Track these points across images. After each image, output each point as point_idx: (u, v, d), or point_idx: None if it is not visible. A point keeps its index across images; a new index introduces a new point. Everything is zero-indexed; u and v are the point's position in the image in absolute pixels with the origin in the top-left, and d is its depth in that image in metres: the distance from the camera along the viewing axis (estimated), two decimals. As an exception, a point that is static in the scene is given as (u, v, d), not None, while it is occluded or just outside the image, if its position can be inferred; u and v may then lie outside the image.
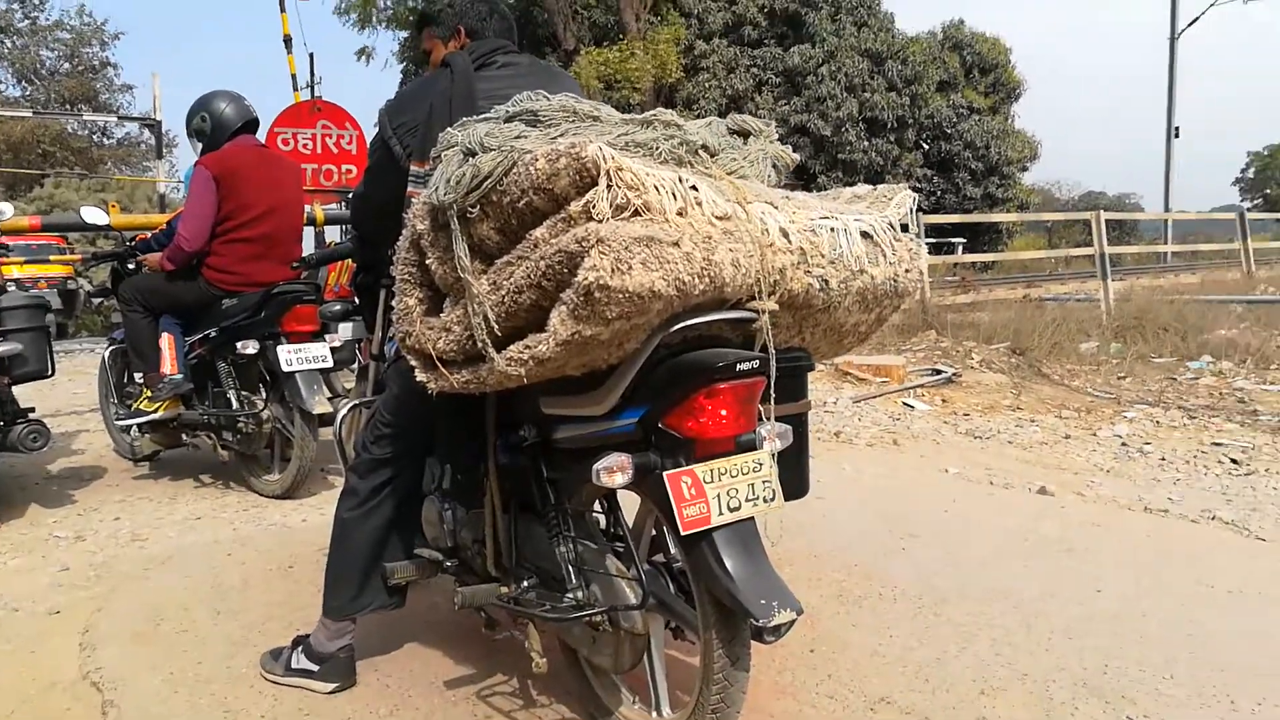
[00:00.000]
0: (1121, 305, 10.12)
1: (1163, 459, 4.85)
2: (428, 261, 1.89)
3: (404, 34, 25.57)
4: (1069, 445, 5.23)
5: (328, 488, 4.48)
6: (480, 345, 1.77)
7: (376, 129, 2.40)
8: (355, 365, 4.38)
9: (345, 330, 4.33)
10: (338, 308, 4.07)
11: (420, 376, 1.94)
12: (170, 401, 4.42)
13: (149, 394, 4.42)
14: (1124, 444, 5.19)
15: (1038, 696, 2.37)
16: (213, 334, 4.33)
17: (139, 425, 4.54)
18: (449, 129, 1.93)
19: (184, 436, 4.64)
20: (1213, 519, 3.83)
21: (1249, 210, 23.33)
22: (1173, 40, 27.66)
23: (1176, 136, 27.53)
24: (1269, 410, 5.97)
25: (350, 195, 4.28)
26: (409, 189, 2.21)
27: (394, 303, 2.01)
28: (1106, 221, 11.81)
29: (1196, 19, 27.79)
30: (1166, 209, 26.86)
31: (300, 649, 2.46)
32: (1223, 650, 2.60)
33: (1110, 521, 3.83)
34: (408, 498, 2.39)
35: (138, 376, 4.57)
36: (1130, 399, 6.43)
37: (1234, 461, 4.73)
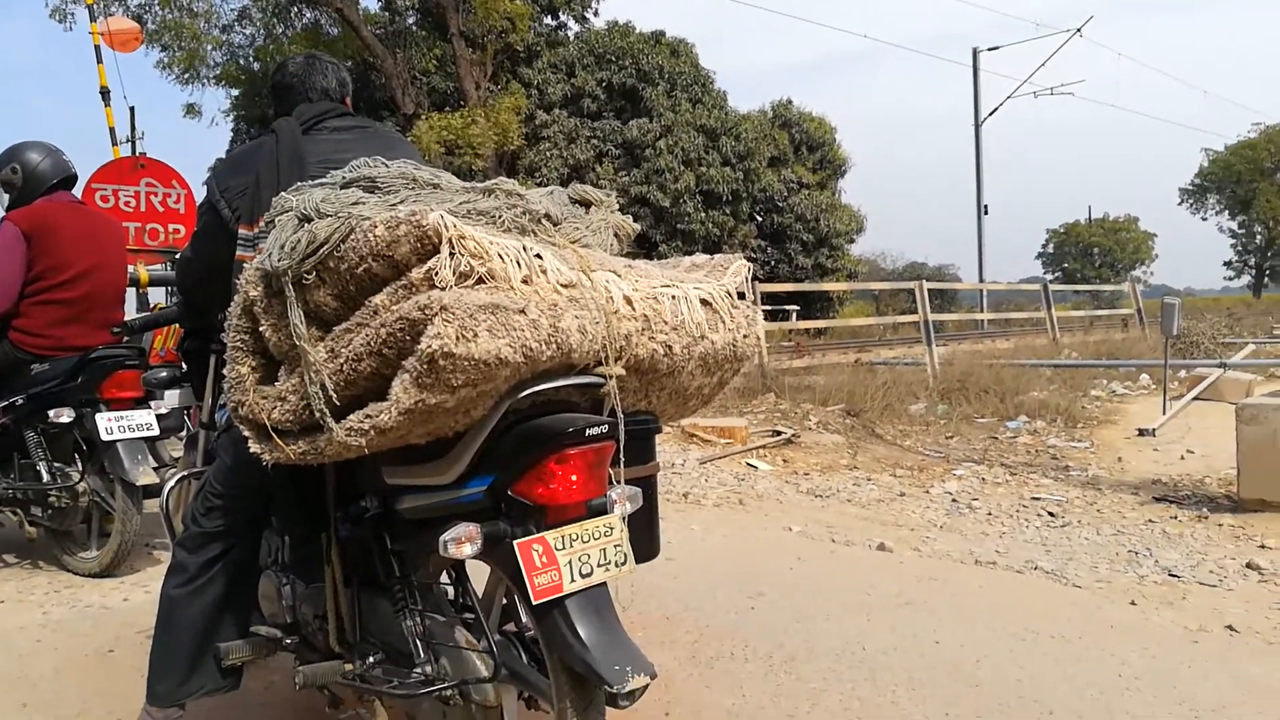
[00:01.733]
0: (946, 369, 10.73)
1: (989, 514, 5.13)
2: (261, 328, 1.82)
3: (235, 91, 24.82)
4: (904, 503, 5.47)
5: (153, 563, 4.19)
6: (318, 415, 1.71)
7: (205, 191, 2.34)
8: (184, 433, 4.14)
9: (172, 397, 4.09)
10: (164, 374, 3.84)
11: (254, 447, 1.85)
12: (-35, 477, 4.05)
13: (-59, 470, 4.04)
14: (954, 500, 5.47)
15: (882, 750, 2.42)
16: (19, 401, 4.01)
17: (-72, 505, 4.14)
18: (283, 194, 1.89)
19: (-17, 514, 4.25)
20: (1035, 569, 4.06)
21: (1050, 282, 25.33)
22: (977, 127, 30.08)
23: (986, 213, 29.78)
24: (1077, 465, 6.43)
25: (177, 257, 4.10)
26: (238, 253, 2.15)
27: (225, 370, 1.91)
28: (929, 291, 12.59)
29: (996, 109, 30.38)
30: (981, 280, 28.87)
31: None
32: (1048, 693, 2.74)
33: (945, 575, 4.00)
34: (242, 573, 2.26)
35: (-74, 451, 4.17)
36: (958, 457, 6.80)
37: (1051, 514, 5.06)
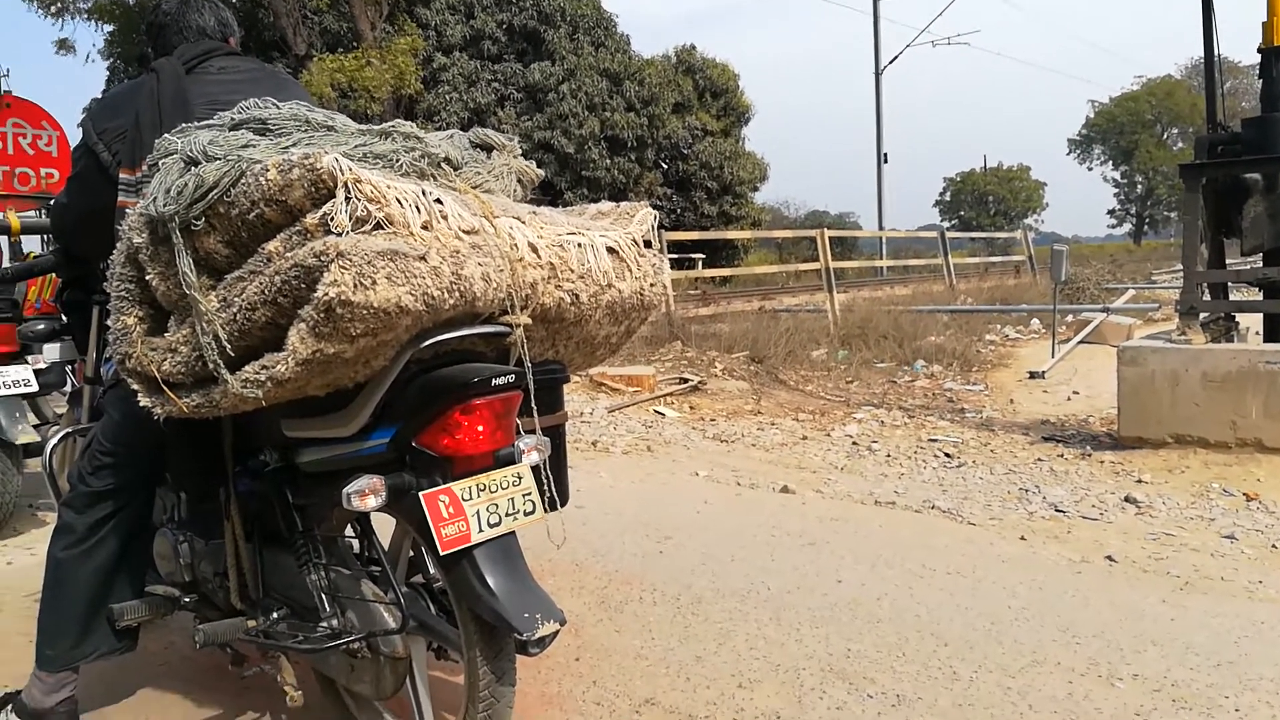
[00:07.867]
0: (846, 315, 10.97)
1: (888, 455, 5.29)
2: (147, 277, 1.74)
3: (109, 27, 23.43)
4: (806, 446, 5.59)
5: (38, 525, 4.04)
6: (211, 366, 1.65)
7: (81, 133, 2.20)
8: (66, 389, 3.95)
9: (52, 351, 3.87)
10: (42, 326, 3.63)
11: (144, 401, 1.78)
12: None
13: None
14: (855, 443, 5.62)
15: (790, 685, 2.50)
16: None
17: None
18: (167, 135, 1.80)
19: None
20: (932, 508, 4.21)
21: (947, 230, 26.04)
22: (877, 75, 30.46)
23: (886, 162, 30.31)
24: (972, 408, 6.67)
25: (52, 203, 3.86)
26: (120, 199, 2.03)
27: (110, 321, 1.83)
28: (830, 238, 12.79)
29: (896, 58, 30.86)
30: (880, 227, 29.51)
31: (9, 708, 2.19)
32: (944, 627, 2.86)
33: (846, 515, 4.12)
34: (135, 532, 2.19)
35: None
36: (858, 401, 6.97)
37: (947, 455, 5.24)
